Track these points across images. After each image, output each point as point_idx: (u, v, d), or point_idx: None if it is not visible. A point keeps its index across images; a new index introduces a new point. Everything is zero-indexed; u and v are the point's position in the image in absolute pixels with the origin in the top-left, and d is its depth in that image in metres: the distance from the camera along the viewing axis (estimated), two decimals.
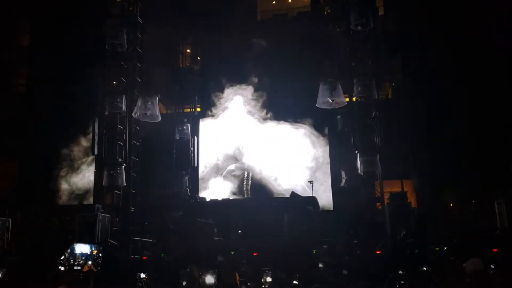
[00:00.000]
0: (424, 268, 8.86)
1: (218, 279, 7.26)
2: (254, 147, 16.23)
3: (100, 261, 9.73)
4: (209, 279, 6.96)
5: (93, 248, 10.07)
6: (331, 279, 8.54)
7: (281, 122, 16.03)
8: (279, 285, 7.53)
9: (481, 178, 13.19)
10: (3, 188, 15.48)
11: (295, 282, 7.79)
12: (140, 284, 7.77)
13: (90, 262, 9.63)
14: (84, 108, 15.03)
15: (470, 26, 13.98)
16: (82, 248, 10.11)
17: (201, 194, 15.50)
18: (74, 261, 9.84)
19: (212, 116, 16.59)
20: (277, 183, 15.74)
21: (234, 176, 16.24)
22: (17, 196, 15.15)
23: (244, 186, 16.15)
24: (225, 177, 16.27)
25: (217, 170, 16.42)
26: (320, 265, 9.18)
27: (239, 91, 16.19)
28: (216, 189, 16.04)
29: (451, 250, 9.90)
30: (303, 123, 15.80)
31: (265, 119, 16.22)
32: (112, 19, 13.95)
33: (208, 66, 17.28)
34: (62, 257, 9.56)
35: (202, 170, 16.46)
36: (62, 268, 9.46)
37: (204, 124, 16.82)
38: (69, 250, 9.85)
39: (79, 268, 9.54)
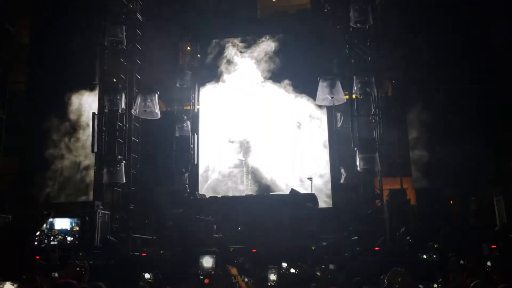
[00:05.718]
0: (424, 256, 8.86)
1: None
2: (254, 145, 16.24)
3: (78, 236, 9.30)
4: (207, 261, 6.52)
5: (73, 224, 9.74)
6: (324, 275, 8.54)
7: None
8: (284, 283, 7.45)
9: (481, 175, 13.18)
10: (2, 185, 15.45)
11: (292, 270, 7.72)
12: (141, 283, 7.58)
13: (69, 238, 9.10)
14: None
15: (470, 24, 13.95)
16: (62, 223, 9.70)
17: (201, 191, 15.50)
18: (54, 237, 9.39)
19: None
20: (277, 179, 15.73)
21: (233, 173, 16.23)
22: (17, 193, 15.12)
23: (244, 183, 16.14)
24: (224, 174, 16.26)
25: (217, 165, 16.42)
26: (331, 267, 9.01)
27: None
28: (216, 186, 16.05)
29: (451, 247, 9.90)
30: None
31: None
32: (111, 15, 13.91)
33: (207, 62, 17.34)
34: (38, 233, 9.08)
35: (201, 166, 16.48)
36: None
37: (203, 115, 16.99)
38: (48, 226, 9.38)
39: (55, 243, 9.03)
